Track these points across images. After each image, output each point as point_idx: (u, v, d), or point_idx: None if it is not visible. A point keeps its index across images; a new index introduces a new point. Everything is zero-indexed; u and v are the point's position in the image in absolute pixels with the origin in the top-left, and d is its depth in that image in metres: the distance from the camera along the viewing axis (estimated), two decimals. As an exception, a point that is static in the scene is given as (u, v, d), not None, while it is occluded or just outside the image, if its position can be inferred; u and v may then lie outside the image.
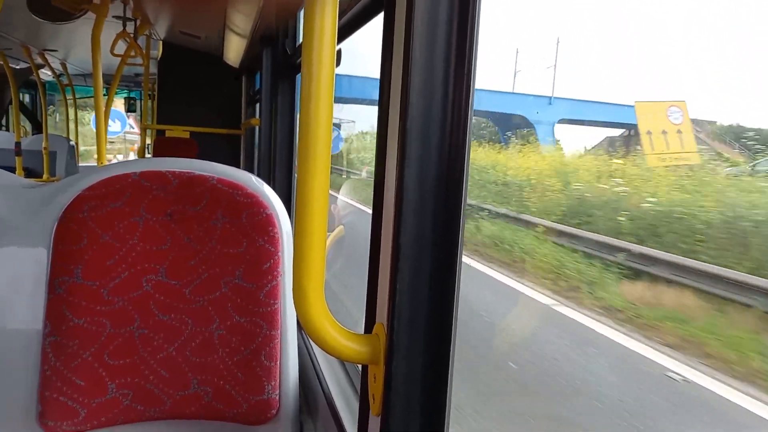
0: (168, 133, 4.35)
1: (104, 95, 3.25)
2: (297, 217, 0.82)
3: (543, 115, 12.58)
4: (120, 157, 13.40)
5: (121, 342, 1.27)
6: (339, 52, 1.10)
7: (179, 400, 1.29)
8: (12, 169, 4.84)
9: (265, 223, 1.29)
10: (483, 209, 7.57)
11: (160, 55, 4.44)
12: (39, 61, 5.11)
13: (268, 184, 1.37)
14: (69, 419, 1.22)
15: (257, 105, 3.37)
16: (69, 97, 6.92)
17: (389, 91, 0.87)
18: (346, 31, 1.42)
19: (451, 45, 0.80)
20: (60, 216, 1.25)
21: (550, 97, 12.84)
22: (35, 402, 1.22)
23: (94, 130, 3.07)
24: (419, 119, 0.81)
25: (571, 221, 6.06)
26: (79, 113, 8.16)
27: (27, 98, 8.44)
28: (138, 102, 8.84)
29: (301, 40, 2.45)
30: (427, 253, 0.83)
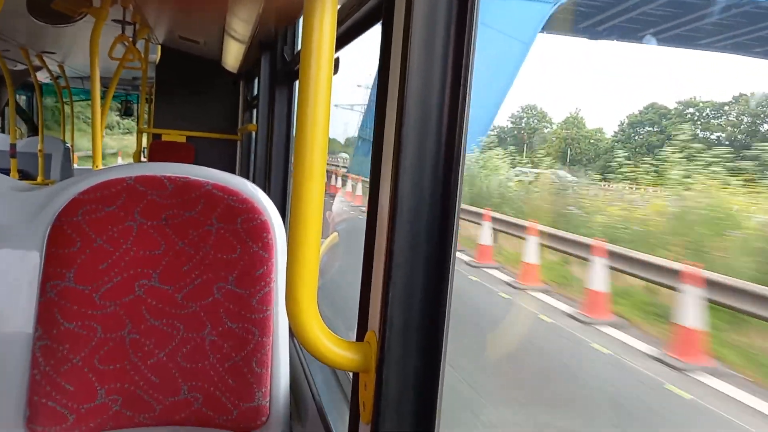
0: (164, 137, 4.35)
1: (101, 98, 3.26)
2: (291, 224, 0.82)
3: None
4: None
5: (111, 347, 1.26)
6: (337, 60, 1.10)
7: (169, 406, 1.28)
8: (6, 171, 4.83)
9: (259, 230, 1.29)
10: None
11: (158, 59, 4.45)
12: (37, 63, 5.11)
13: (264, 190, 1.37)
14: (57, 424, 1.21)
15: (254, 111, 3.38)
16: (66, 99, 6.91)
17: (386, 99, 0.88)
18: (344, 39, 1.43)
19: (448, 55, 0.81)
20: (54, 219, 1.25)
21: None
22: (24, 406, 1.21)
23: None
24: (415, 128, 0.81)
25: None
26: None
27: (23, 100, 8.43)
28: (135, 105, 8.84)
29: (299, 47, 2.46)
30: (420, 262, 0.83)
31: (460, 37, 0.81)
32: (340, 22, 1.35)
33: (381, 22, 0.94)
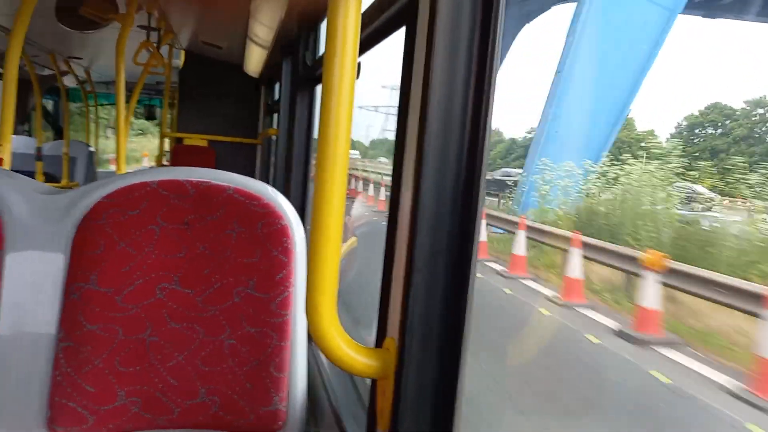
0: (186, 141, 4.40)
1: (126, 103, 3.31)
2: (312, 229, 0.82)
3: None
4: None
5: (132, 349, 1.27)
6: (359, 65, 1.10)
7: (187, 408, 1.29)
8: (32, 174, 4.92)
9: (279, 234, 1.30)
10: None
11: (182, 64, 4.50)
12: (64, 68, 5.21)
13: (284, 194, 1.37)
14: (78, 425, 1.23)
15: (275, 115, 3.40)
16: (91, 104, 7.03)
17: (408, 104, 0.87)
18: (367, 44, 1.43)
19: (471, 60, 0.80)
20: (79, 222, 1.26)
21: None
22: (45, 406, 1.23)
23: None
24: (437, 134, 0.80)
25: None
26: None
27: (49, 104, 8.59)
28: (158, 110, 8.96)
29: (321, 52, 2.47)
30: (441, 269, 0.82)
31: (485, 42, 0.80)
32: (363, 27, 1.35)
33: (405, 26, 0.94)
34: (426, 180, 0.80)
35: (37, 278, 1.25)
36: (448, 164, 0.81)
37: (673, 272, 5.83)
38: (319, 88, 2.45)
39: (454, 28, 0.80)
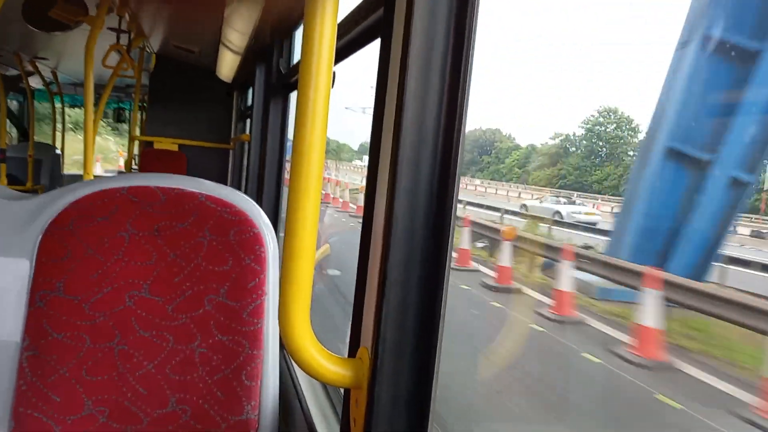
0: (156, 145, 4.34)
1: (94, 105, 3.25)
2: (286, 238, 0.82)
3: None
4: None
5: (100, 358, 1.25)
6: (334, 74, 1.11)
7: (157, 418, 1.27)
8: None
9: (252, 242, 1.29)
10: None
11: (152, 68, 4.45)
12: (29, 68, 5.09)
13: (256, 200, 1.37)
14: None
15: (248, 121, 3.38)
16: (58, 105, 6.88)
17: (383, 116, 0.88)
18: (343, 53, 1.44)
19: (445, 75, 0.82)
20: (45, 229, 1.24)
21: None
22: (9, 417, 1.19)
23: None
24: (411, 147, 0.82)
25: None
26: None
27: (14, 105, 8.37)
28: (127, 112, 8.81)
29: (295, 60, 2.47)
30: (415, 279, 0.83)
31: (458, 58, 0.82)
32: (339, 36, 1.36)
33: (380, 37, 0.95)
34: (400, 191, 0.81)
35: (1, 285, 1.22)
36: (422, 177, 0.82)
37: None
38: (292, 96, 2.45)
39: (428, 41, 0.81)
